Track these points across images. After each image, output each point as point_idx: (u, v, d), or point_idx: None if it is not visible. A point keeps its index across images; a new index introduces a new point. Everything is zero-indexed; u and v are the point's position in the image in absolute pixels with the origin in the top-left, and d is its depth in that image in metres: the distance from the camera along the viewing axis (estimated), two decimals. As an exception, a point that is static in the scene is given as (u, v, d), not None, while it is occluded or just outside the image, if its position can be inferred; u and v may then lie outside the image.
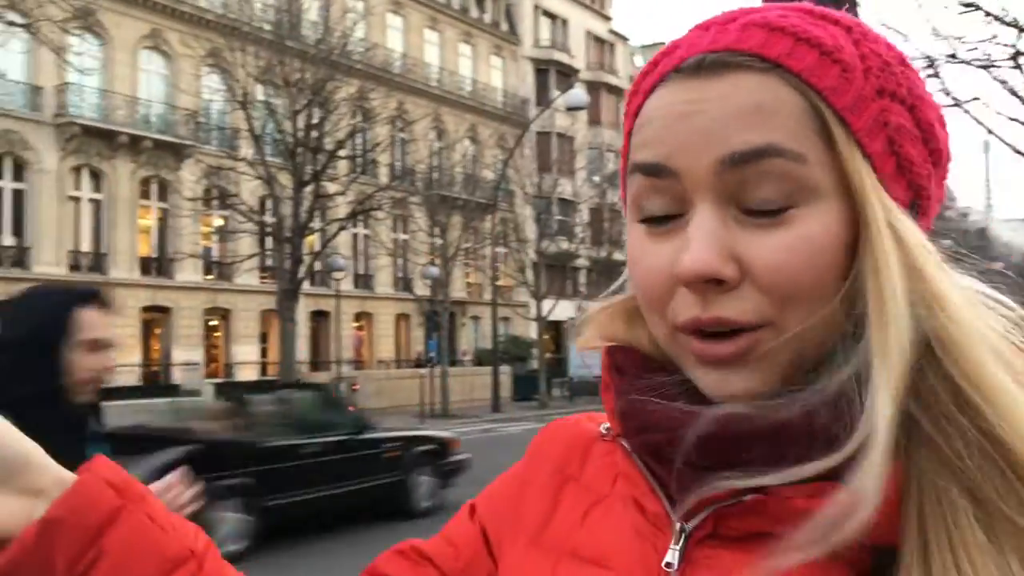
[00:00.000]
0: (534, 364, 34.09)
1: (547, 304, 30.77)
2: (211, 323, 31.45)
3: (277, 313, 25.53)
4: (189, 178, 28.43)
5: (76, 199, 27.81)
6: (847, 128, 0.55)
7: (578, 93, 25.59)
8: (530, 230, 33.42)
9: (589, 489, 0.66)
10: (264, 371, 31.35)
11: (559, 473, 0.69)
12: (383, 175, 31.25)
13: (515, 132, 35.36)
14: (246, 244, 25.92)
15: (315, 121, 23.02)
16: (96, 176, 28.35)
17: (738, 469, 0.53)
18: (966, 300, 0.53)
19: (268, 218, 24.19)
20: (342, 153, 25.22)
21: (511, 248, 33.60)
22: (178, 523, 0.68)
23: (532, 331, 34.81)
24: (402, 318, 36.79)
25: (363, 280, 35.59)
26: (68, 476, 0.64)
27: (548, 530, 0.66)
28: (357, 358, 34.85)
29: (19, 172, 26.65)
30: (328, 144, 23.56)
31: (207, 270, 30.83)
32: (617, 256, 34.07)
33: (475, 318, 38.56)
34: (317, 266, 26.94)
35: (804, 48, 0.56)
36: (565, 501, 0.67)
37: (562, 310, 32.10)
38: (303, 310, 29.18)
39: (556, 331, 39.05)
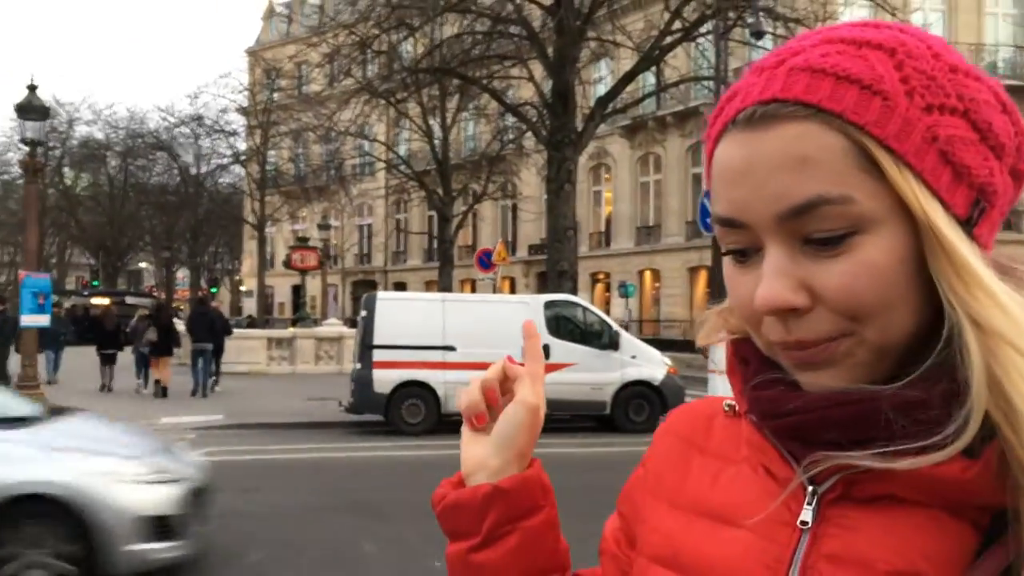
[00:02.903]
0: None
1: None
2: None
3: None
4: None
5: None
6: (893, 154, 0.59)
7: None
8: None
9: (716, 456, 0.75)
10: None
11: (686, 444, 0.79)
12: None
13: None
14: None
15: None
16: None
17: (865, 446, 0.60)
18: (1008, 295, 0.58)
19: None
20: None
21: None
22: (560, 537, 0.82)
23: None
24: None
25: None
26: (525, 465, 0.80)
27: (683, 493, 0.76)
28: None
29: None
30: None
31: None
32: None
33: None
34: None
35: (844, 87, 0.59)
36: (694, 468, 0.76)
37: None
38: None
39: None
